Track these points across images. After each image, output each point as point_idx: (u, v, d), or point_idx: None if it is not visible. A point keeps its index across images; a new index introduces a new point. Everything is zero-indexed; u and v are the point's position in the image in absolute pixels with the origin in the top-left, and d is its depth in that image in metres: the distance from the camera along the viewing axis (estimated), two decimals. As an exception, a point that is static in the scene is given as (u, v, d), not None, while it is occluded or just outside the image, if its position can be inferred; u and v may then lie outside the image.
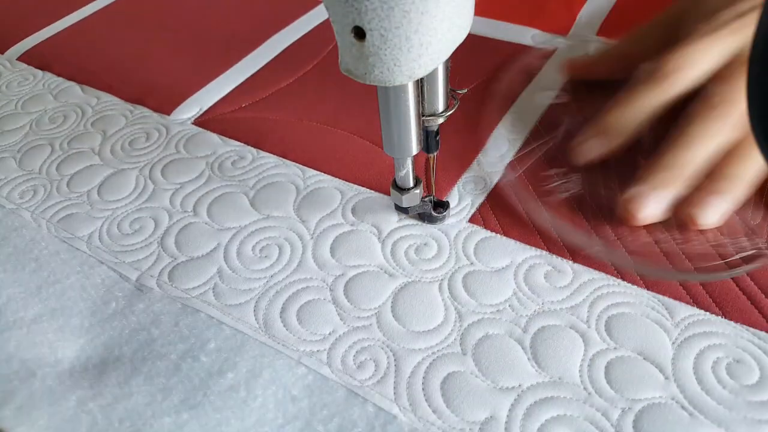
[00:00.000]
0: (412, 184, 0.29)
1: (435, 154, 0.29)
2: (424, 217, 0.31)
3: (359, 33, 0.20)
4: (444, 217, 0.31)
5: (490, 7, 0.47)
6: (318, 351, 0.26)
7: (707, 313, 0.26)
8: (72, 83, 0.44)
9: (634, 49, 0.36)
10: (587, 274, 0.28)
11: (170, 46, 0.47)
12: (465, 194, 0.32)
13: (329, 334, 0.26)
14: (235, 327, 0.27)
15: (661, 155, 0.29)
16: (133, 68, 0.45)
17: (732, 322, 0.25)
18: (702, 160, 0.28)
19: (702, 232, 0.28)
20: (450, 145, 0.35)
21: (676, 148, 0.28)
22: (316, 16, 0.49)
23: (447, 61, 0.24)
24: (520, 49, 0.42)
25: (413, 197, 0.29)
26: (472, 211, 0.31)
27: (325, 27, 0.47)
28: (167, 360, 0.26)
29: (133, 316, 0.28)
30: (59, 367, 0.26)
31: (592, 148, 0.31)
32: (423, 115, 0.26)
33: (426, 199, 0.30)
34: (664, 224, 0.29)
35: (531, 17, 0.46)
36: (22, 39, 0.49)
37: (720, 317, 0.26)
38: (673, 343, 0.25)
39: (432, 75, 0.24)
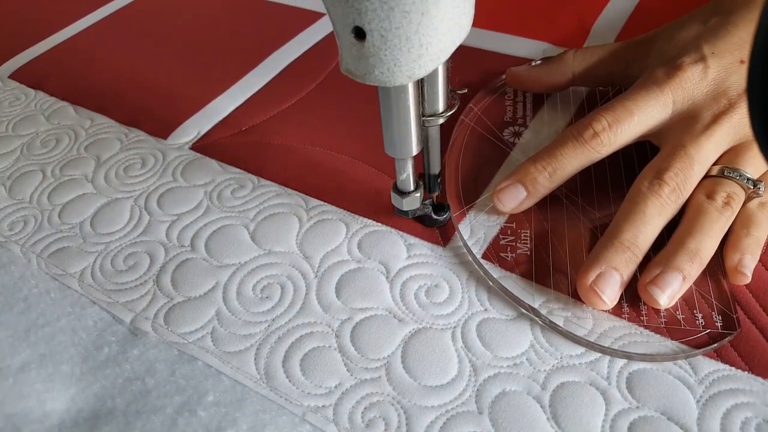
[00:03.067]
0: (412, 188, 0.29)
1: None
2: (424, 220, 0.31)
3: (359, 33, 0.20)
4: (445, 221, 0.30)
5: (501, 21, 0.45)
6: (323, 406, 0.24)
7: (733, 368, 0.24)
8: (65, 103, 0.42)
9: (579, 68, 0.35)
10: (608, 321, 0.26)
11: (167, 63, 0.45)
12: (477, 226, 0.31)
13: (335, 387, 0.25)
14: (234, 378, 0.25)
15: (618, 232, 0.26)
16: (129, 87, 0.43)
17: (760, 378, 0.24)
18: (655, 235, 0.27)
19: (657, 310, 0.26)
20: (460, 171, 0.33)
21: (633, 226, 0.26)
22: (318, 30, 0.47)
23: (447, 62, 0.24)
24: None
25: (413, 200, 0.29)
26: (485, 246, 0.30)
27: (326, 42, 0.46)
28: (163, 414, 0.25)
29: (126, 364, 0.27)
30: (47, 422, 0.25)
31: (511, 196, 0.30)
32: (423, 116, 0.26)
33: (426, 202, 0.30)
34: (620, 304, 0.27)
35: (543, 31, 0.44)
36: (15, 55, 0.47)
37: (747, 373, 0.24)
38: (698, 401, 0.23)
39: (432, 75, 0.24)
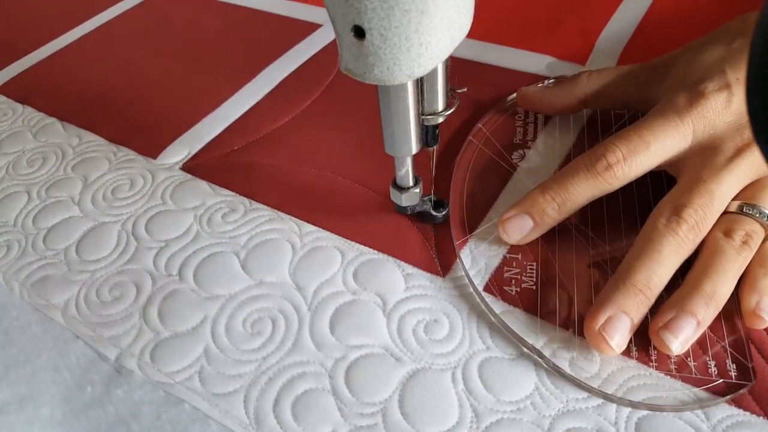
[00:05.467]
0: (411, 183, 0.29)
1: (435, 148, 0.28)
2: (423, 216, 0.31)
3: (359, 32, 0.20)
4: (443, 218, 0.30)
5: (504, 34, 0.44)
6: (316, 455, 0.23)
7: (747, 413, 0.23)
8: (53, 119, 0.41)
9: (594, 89, 0.33)
10: (616, 362, 0.25)
11: (158, 78, 0.44)
12: (478, 255, 0.29)
13: (328, 434, 0.23)
14: (222, 423, 0.24)
15: (630, 272, 0.25)
16: (119, 103, 0.41)
17: (778, 425, 0.23)
18: (669, 276, 0.25)
19: (667, 356, 0.25)
20: (457, 202, 0.32)
21: (647, 267, 0.24)
22: (313, 43, 0.46)
23: (446, 60, 0.24)
24: (535, 80, 0.39)
25: (413, 196, 0.29)
26: (487, 277, 0.28)
27: (321, 56, 0.44)
28: (147, 462, 0.23)
29: (110, 406, 0.25)
30: (25, 472, 0.24)
31: (517, 227, 0.28)
32: (423, 114, 0.26)
33: (425, 198, 0.30)
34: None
35: (546, 44, 0.42)
36: (2, 69, 0.46)
37: (762, 418, 0.23)
38: (713, 450, 0.22)
39: (431, 74, 0.24)
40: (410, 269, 0.29)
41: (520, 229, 0.28)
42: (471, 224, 0.31)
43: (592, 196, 0.27)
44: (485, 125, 0.36)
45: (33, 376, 0.27)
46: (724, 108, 0.26)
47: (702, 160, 0.26)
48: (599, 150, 0.27)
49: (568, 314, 0.26)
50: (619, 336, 0.24)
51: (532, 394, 0.24)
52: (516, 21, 0.45)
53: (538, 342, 0.25)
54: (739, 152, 0.25)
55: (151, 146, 0.37)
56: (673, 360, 0.24)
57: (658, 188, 0.29)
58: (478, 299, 0.27)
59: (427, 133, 0.27)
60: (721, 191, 0.25)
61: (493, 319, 0.27)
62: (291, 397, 0.25)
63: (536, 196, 0.28)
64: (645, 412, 0.23)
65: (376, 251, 0.30)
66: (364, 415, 0.24)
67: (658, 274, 0.24)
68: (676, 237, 0.24)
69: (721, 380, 0.24)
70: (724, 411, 0.23)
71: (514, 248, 0.29)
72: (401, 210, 0.31)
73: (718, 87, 0.26)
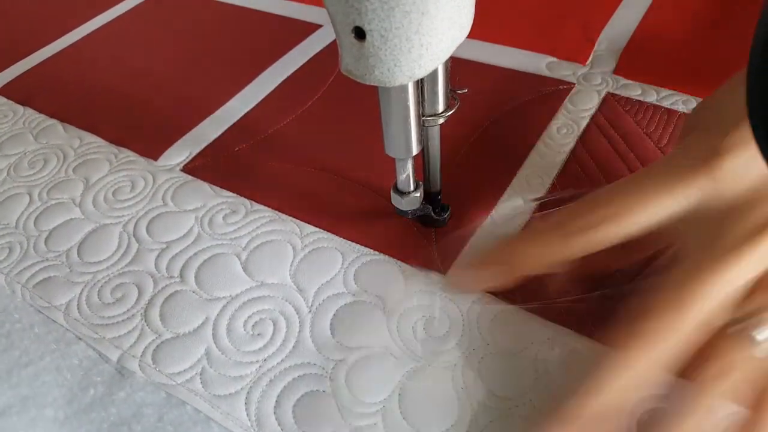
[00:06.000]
0: (412, 188, 0.29)
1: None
2: (425, 220, 0.31)
3: (359, 33, 0.20)
4: (445, 221, 0.30)
5: (504, 34, 0.44)
6: (317, 457, 0.23)
7: None
8: (54, 121, 0.41)
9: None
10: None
11: (159, 79, 0.44)
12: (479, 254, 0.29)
13: (329, 435, 0.24)
14: (224, 425, 0.24)
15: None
16: (119, 105, 0.42)
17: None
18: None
19: None
20: (458, 203, 0.32)
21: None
22: (313, 43, 0.46)
23: (447, 61, 0.24)
24: (535, 80, 0.39)
25: (413, 200, 0.29)
26: (487, 277, 0.28)
27: (323, 55, 0.44)
28: (149, 463, 0.24)
29: (112, 407, 0.25)
30: (28, 473, 0.24)
31: (480, 280, 0.27)
32: (423, 115, 0.26)
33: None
34: None
35: (546, 44, 0.42)
36: (3, 70, 0.46)
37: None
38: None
39: (432, 75, 0.24)
40: (411, 269, 0.29)
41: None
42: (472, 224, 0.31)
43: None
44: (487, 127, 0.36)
45: (35, 378, 0.27)
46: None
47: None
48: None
49: (568, 312, 0.26)
50: None
51: (531, 390, 0.24)
52: (516, 21, 0.45)
53: (538, 339, 0.25)
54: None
55: (152, 148, 0.38)
56: None
57: None
58: (478, 297, 0.27)
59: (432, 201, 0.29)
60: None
61: (493, 317, 0.27)
62: (292, 399, 0.25)
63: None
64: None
65: (376, 252, 0.30)
66: (364, 414, 0.24)
67: None
68: None
69: None
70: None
71: None
72: (402, 214, 0.31)
73: None
